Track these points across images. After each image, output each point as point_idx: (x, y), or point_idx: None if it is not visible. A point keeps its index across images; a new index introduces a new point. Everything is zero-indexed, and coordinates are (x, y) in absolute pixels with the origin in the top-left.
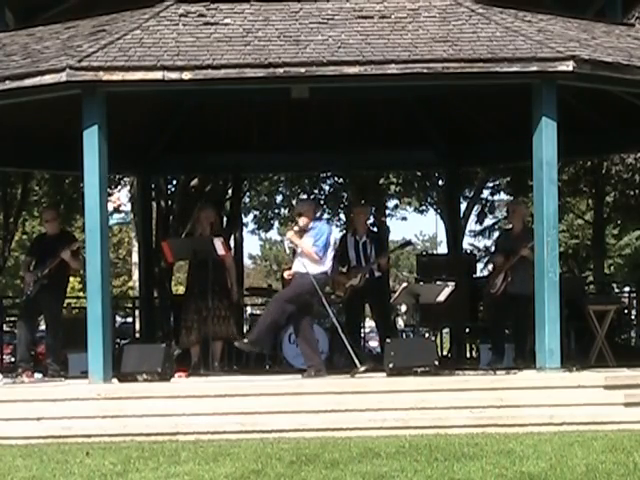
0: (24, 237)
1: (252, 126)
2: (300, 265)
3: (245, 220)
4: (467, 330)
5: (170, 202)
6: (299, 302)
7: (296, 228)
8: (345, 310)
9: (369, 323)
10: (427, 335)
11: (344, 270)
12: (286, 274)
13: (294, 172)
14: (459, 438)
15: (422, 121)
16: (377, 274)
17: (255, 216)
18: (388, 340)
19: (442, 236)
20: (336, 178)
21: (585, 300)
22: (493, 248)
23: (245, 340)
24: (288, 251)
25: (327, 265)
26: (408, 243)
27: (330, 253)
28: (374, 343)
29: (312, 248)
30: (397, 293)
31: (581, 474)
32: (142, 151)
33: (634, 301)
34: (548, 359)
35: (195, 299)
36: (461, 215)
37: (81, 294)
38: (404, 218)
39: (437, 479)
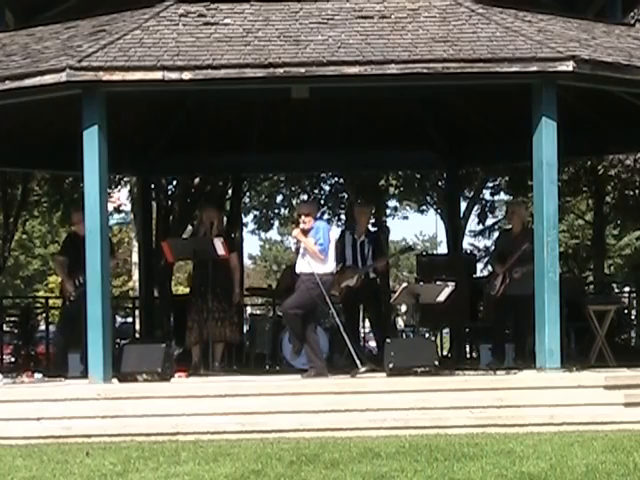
0: (24, 237)
1: (252, 126)
2: (305, 265)
3: (245, 220)
4: (467, 330)
5: (170, 202)
6: (306, 307)
7: (302, 226)
8: (342, 310)
9: (368, 323)
10: (427, 335)
11: (338, 268)
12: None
13: (294, 172)
14: (459, 438)
15: (422, 121)
16: (371, 275)
17: (255, 216)
18: (388, 340)
19: (442, 236)
20: (336, 178)
21: (585, 300)
22: (493, 248)
23: (311, 373)
24: (293, 248)
25: (331, 265)
26: (409, 249)
27: (332, 252)
28: (373, 343)
29: (316, 247)
30: (397, 293)
31: (581, 474)
32: (142, 151)
33: (634, 301)
34: (548, 359)
35: (197, 300)
36: (461, 215)
37: None
38: (405, 217)
39: (437, 479)
